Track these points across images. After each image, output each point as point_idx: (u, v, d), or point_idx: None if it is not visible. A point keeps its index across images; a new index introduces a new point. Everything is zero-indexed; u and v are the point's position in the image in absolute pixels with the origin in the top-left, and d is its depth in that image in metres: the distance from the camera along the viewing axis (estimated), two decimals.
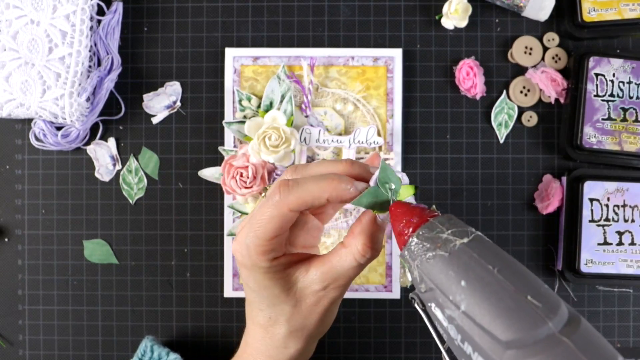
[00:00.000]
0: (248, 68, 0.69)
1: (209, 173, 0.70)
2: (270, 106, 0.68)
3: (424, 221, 0.42)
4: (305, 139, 0.68)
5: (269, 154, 0.66)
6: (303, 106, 0.69)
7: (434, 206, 0.44)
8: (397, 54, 0.69)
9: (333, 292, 0.48)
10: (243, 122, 0.68)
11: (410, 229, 0.43)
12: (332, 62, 0.69)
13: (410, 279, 0.43)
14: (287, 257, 0.48)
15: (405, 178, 0.45)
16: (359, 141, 0.68)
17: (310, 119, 0.69)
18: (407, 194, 0.45)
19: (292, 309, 0.48)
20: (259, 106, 0.68)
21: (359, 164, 0.47)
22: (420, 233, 0.41)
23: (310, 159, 0.69)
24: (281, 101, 0.68)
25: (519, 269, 0.39)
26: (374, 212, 0.45)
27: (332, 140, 0.68)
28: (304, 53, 0.69)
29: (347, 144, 0.68)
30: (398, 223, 0.43)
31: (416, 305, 0.43)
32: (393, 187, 0.44)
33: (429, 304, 0.41)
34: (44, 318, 0.70)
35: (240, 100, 0.69)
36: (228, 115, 0.69)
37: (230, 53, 0.69)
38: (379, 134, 0.69)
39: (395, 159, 0.68)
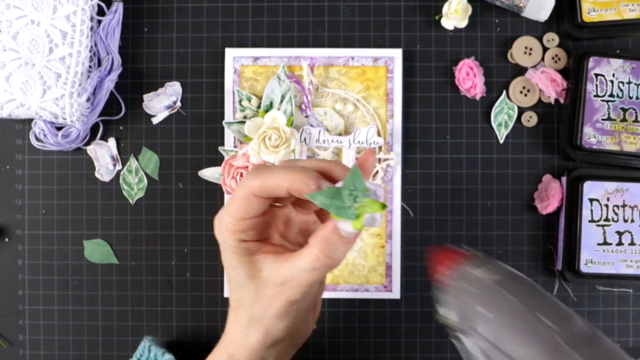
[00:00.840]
0: (248, 68, 0.69)
1: (209, 173, 0.70)
2: (270, 106, 0.68)
3: (458, 262, 0.46)
4: (305, 139, 0.68)
5: (269, 154, 0.66)
6: (303, 106, 0.69)
7: (464, 246, 0.47)
8: (397, 54, 0.69)
9: (289, 291, 0.47)
10: (243, 123, 0.68)
11: (446, 271, 0.46)
12: (332, 62, 0.69)
13: (448, 317, 0.45)
14: (258, 243, 0.48)
15: (380, 191, 0.43)
16: (359, 141, 0.68)
17: (310, 119, 0.69)
18: (372, 209, 0.43)
19: (254, 297, 0.48)
20: (259, 106, 0.68)
21: (343, 167, 0.47)
22: (456, 274, 0.45)
23: None
24: (281, 101, 0.68)
25: (550, 301, 0.42)
26: (332, 216, 0.44)
27: (332, 141, 0.68)
28: (304, 53, 0.69)
29: (347, 144, 0.68)
30: (434, 265, 0.47)
31: (455, 342, 0.45)
32: (358, 196, 0.42)
33: (465, 338, 0.43)
34: (44, 318, 0.70)
35: (240, 101, 0.69)
36: (228, 116, 0.69)
37: (230, 53, 0.70)
38: (379, 134, 0.69)
39: (395, 159, 0.68)
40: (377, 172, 0.68)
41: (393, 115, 0.69)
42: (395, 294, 0.69)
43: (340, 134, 0.69)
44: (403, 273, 0.69)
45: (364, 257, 0.69)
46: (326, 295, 0.69)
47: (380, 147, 0.68)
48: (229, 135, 0.69)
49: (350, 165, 0.67)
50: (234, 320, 0.50)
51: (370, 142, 0.68)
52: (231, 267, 0.49)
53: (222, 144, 0.70)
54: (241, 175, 0.67)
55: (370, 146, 0.68)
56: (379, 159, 0.68)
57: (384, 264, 0.69)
